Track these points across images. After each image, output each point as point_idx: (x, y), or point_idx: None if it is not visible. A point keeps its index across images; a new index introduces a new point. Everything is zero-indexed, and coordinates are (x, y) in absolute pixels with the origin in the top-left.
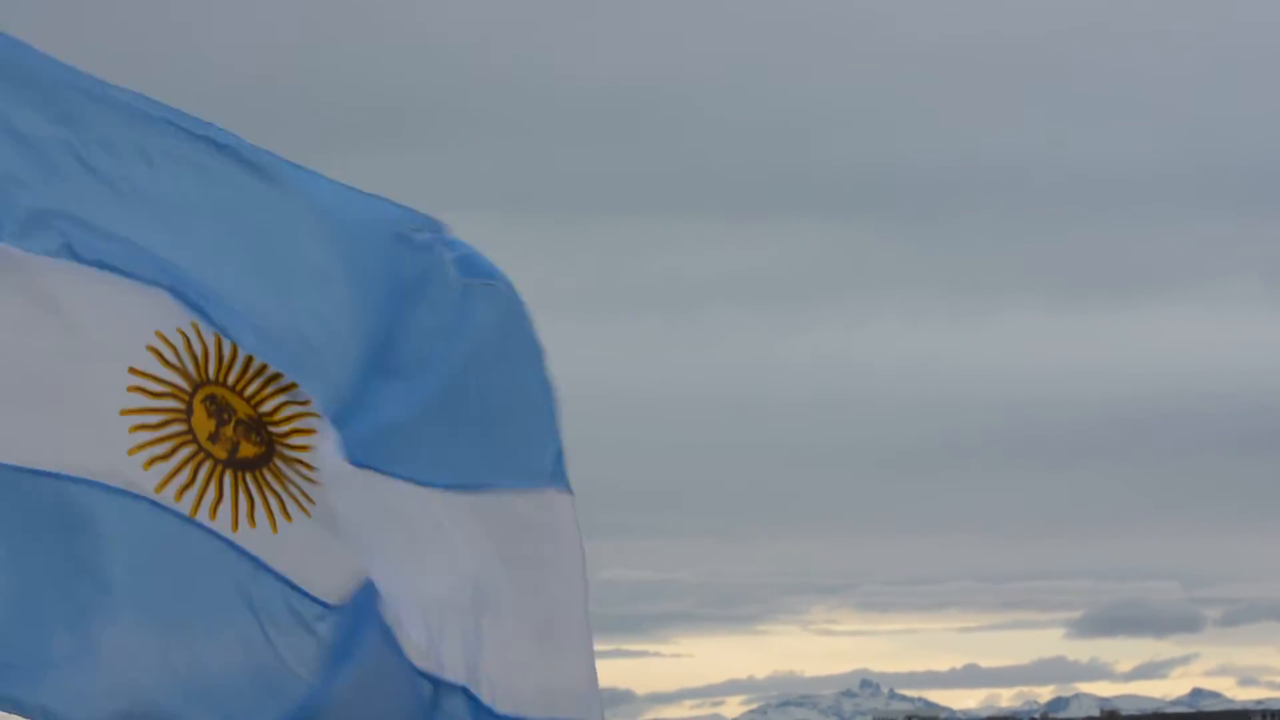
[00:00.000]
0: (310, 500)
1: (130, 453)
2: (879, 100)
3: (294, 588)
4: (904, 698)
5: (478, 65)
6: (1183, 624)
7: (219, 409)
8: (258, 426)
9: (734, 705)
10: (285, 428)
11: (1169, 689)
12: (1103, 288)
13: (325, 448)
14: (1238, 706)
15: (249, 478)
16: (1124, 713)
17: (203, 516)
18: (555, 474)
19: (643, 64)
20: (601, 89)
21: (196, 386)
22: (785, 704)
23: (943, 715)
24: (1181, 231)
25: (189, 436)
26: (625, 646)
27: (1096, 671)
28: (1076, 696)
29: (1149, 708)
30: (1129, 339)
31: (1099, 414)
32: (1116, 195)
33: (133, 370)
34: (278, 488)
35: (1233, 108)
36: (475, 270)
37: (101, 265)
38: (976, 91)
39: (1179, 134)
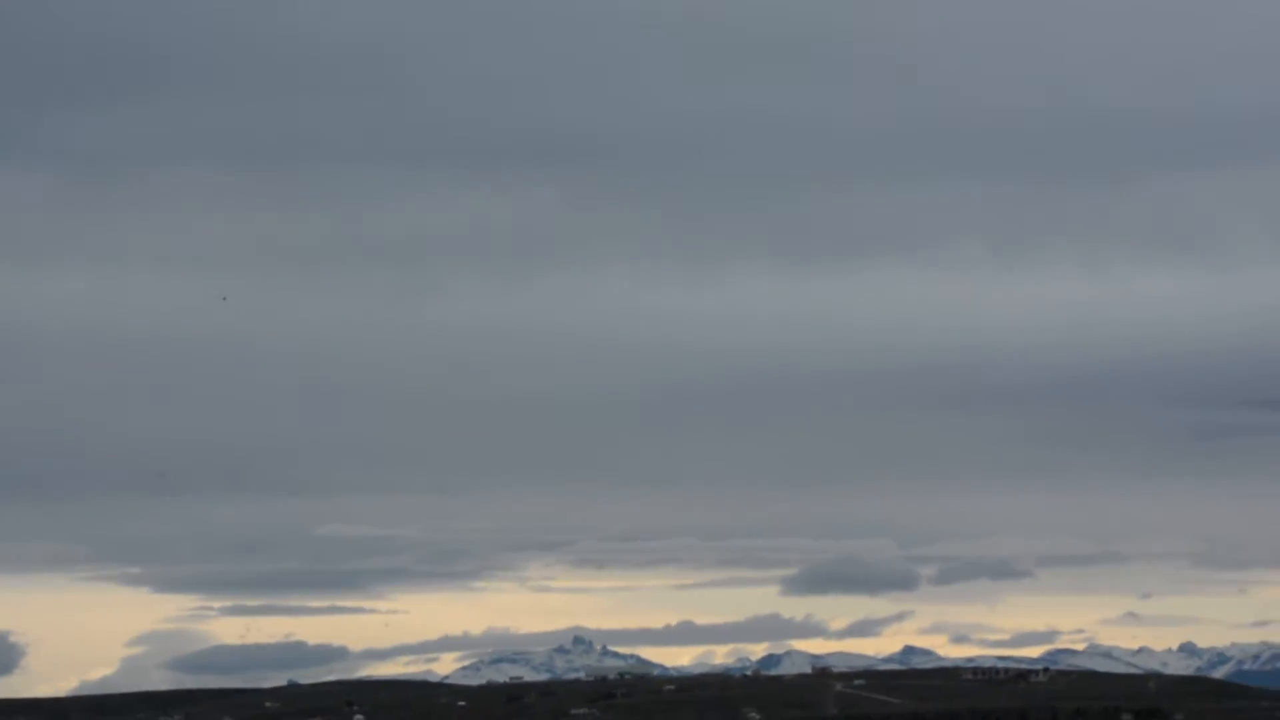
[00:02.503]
0: None
1: None
2: (616, 57)
3: None
4: (616, 655)
5: (203, 14)
6: (897, 582)
7: None
8: None
9: (448, 662)
10: None
11: (881, 646)
12: (830, 249)
13: None
14: (948, 663)
15: None
16: (835, 669)
17: None
18: None
19: (377, 18)
20: (332, 42)
21: None
22: (498, 660)
23: (654, 672)
24: (911, 194)
25: None
26: (340, 603)
27: (810, 629)
28: (789, 654)
29: (860, 664)
30: (853, 300)
31: (822, 372)
32: (849, 156)
33: None
34: None
35: (972, 69)
36: None
37: None
38: (715, 51)
39: (915, 95)
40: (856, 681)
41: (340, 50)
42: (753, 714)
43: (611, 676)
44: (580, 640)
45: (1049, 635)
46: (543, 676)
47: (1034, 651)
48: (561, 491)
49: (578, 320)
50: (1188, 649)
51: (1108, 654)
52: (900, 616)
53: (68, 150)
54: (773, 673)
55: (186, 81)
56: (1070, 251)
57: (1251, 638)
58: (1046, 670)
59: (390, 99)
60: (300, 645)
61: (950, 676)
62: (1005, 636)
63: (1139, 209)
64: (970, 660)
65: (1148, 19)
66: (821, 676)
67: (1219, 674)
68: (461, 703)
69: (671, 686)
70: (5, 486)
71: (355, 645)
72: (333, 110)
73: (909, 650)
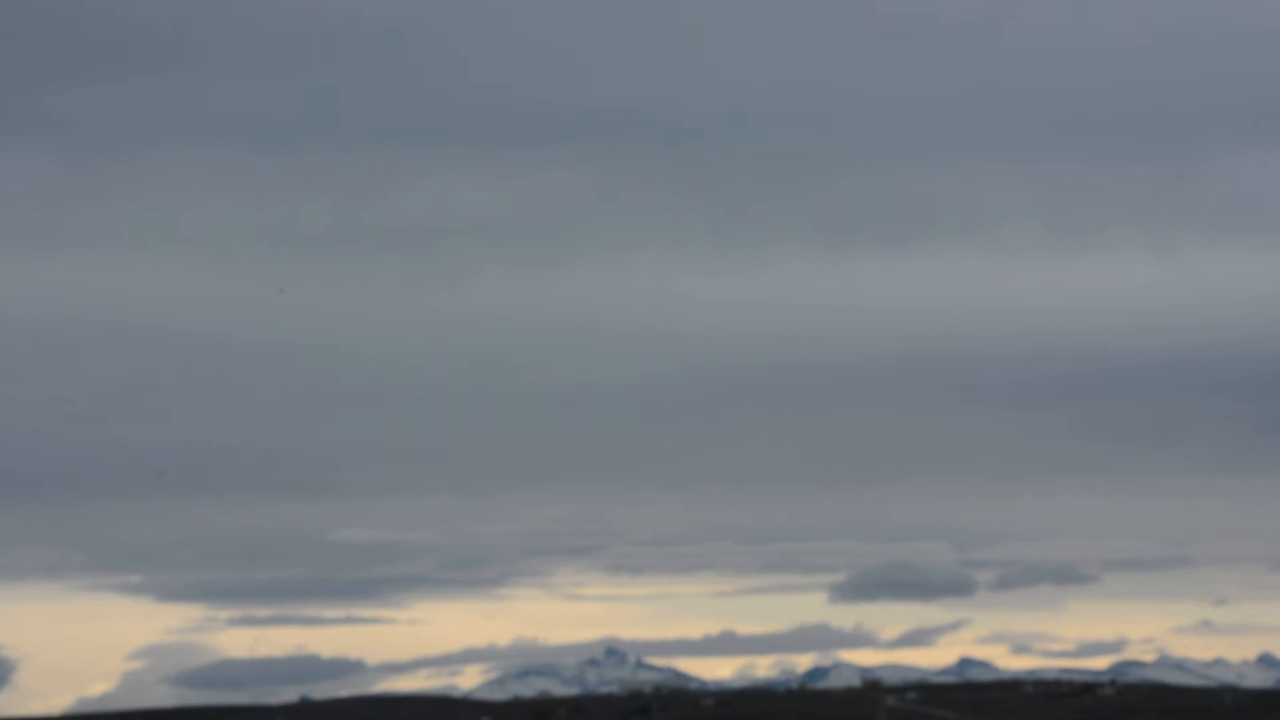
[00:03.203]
0: None
1: None
2: (643, 35)
3: None
4: (652, 667)
5: None
6: (953, 587)
7: None
8: None
9: (472, 675)
10: None
11: (936, 657)
12: (875, 230)
13: None
14: (1007, 676)
15: None
16: (886, 682)
17: None
18: None
19: None
20: (350, 19)
21: None
22: (525, 674)
23: (692, 686)
24: (962, 173)
25: None
26: (357, 613)
27: (860, 639)
28: (837, 666)
29: (913, 677)
30: (901, 284)
31: (867, 362)
32: (895, 134)
33: None
34: None
35: (1021, 46)
36: None
37: None
38: (751, 25)
39: (964, 73)
40: (909, 695)
41: (355, 24)
42: None
43: (647, 690)
44: (613, 652)
45: (1117, 645)
46: (573, 691)
47: (1101, 663)
48: (592, 492)
49: (608, 310)
50: (1267, 660)
51: (1180, 665)
52: (956, 625)
53: (64, 131)
54: (820, 686)
55: (192, 59)
56: (1135, 233)
57: None
58: (1114, 683)
59: (408, 75)
60: (313, 658)
61: (1010, 689)
62: (1070, 646)
63: (1210, 187)
64: (1032, 672)
65: None
66: (872, 690)
67: None
68: (486, 719)
69: (711, 701)
70: None
71: (372, 658)
72: (347, 88)
73: (965, 662)
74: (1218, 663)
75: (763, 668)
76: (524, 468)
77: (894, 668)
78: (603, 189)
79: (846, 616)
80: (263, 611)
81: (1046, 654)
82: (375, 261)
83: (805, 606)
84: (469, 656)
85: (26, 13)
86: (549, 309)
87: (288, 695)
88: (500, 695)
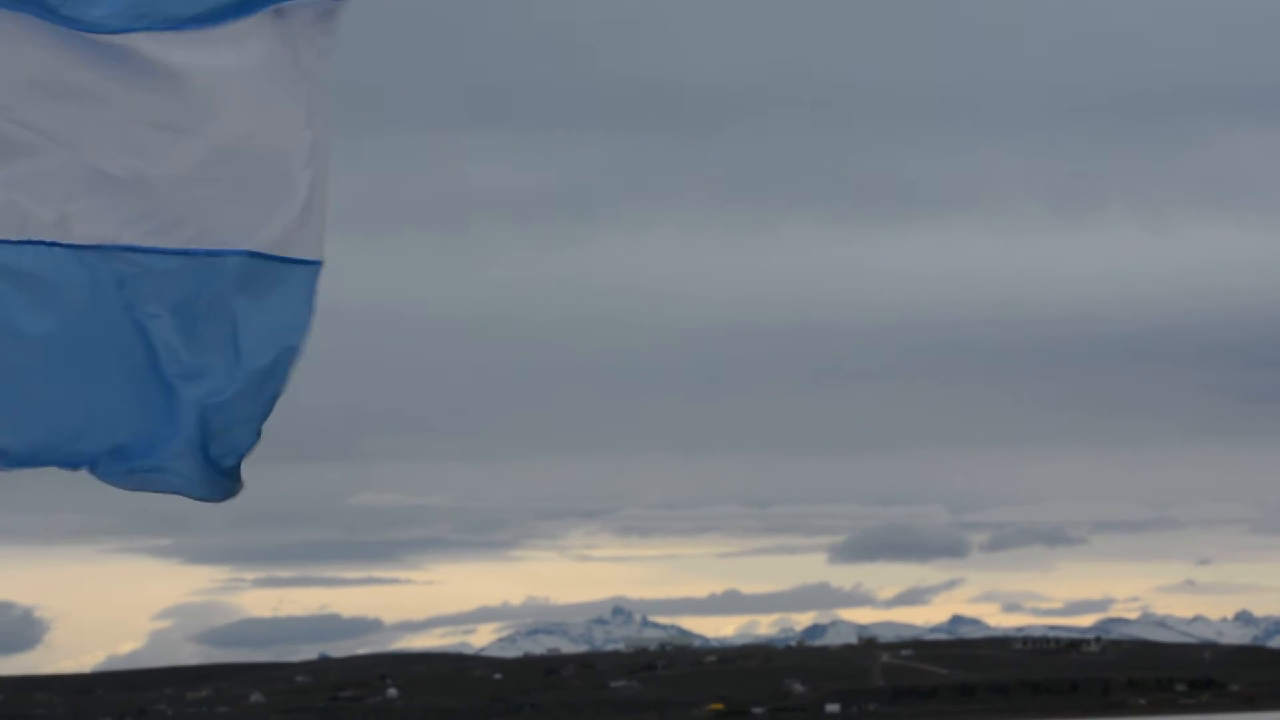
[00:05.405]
0: None
1: None
2: (662, 12)
3: None
4: (657, 625)
5: None
6: (947, 549)
7: None
8: None
9: (485, 634)
10: None
11: (930, 615)
12: (883, 205)
13: None
14: (997, 634)
15: None
16: (881, 640)
17: None
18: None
19: None
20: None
21: None
22: (535, 632)
23: (695, 643)
24: (966, 150)
25: None
26: (375, 574)
27: (859, 598)
28: (835, 624)
29: (907, 635)
30: (907, 258)
31: (870, 334)
32: (901, 111)
33: None
34: None
35: (1022, 24)
36: None
37: None
38: (761, 9)
39: (966, 50)
40: (904, 652)
41: (380, 6)
42: (796, 685)
43: (652, 648)
44: (620, 611)
45: (1103, 604)
46: (581, 648)
47: (1087, 620)
48: (603, 457)
49: (617, 284)
50: (1244, 617)
51: (1162, 623)
52: (950, 585)
53: None
54: (818, 643)
55: None
56: (1130, 209)
57: None
58: (1099, 640)
59: (436, 58)
60: (334, 618)
61: (1000, 646)
62: (1058, 605)
63: (1202, 164)
64: (1021, 630)
65: None
66: (867, 647)
67: (1276, 644)
68: (497, 675)
69: (713, 658)
70: None
71: (390, 617)
72: (372, 70)
73: (957, 620)
74: (1198, 620)
75: (764, 625)
76: (538, 435)
77: (890, 625)
78: (617, 166)
79: (846, 577)
80: (286, 573)
81: (1036, 612)
82: (401, 236)
83: (806, 567)
84: (482, 615)
85: None
86: (567, 282)
87: (309, 653)
88: (511, 652)
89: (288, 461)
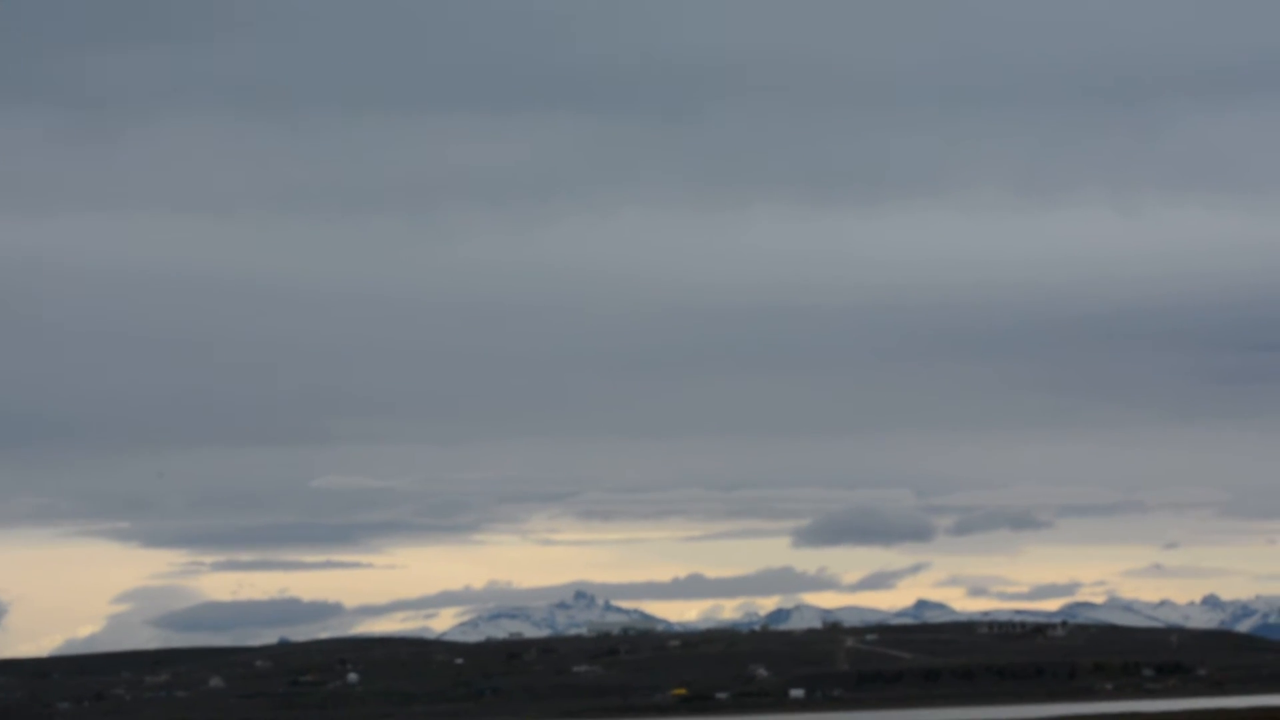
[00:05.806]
0: None
1: None
2: None
3: None
4: (619, 609)
5: None
6: (913, 532)
7: None
8: None
9: (446, 618)
10: None
11: (895, 600)
12: (853, 188)
13: None
14: (963, 618)
15: None
16: (846, 624)
17: None
18: None
19: None
20: None
21: None
22: (497, 616)
23: (659, 628)
24: (936, 133)
25: None
26: (336, 558)
27: (823, 582)
28: (799, 608)
29: (872, 619)
30: (874, 242)
31: (839, 316)
32: (871, 95)
33: None
34: None
35: (994, 9)
36: None
37: None
38: None
39: (939, 35)
40: (868, 637)
41: None
42: (760, 670)
43: (614, 632)
44: (582, 595)
45: (1070, 588)
46: (543, 632)
47: (1053, 605)
48: (565, 441)
49: (585, 267)
50: (1211, 601)
51: (1128, 607)
52: (915, 569)
53: (69, 93)
54: (782, 628)
55: (192, 22)
56: (1100, 191)
57: (1277, 590)
58: (1065, 624)
59: (405, 41)
60: (294, 602)
61: (965, 631)
62: (1024, 589)
63: (1172, 147)
64: (986, 614)
65: None
66: (832, 631)
67: (1243, 627)
68: (459, 660)
69: (676, 643)
70: None
71: (350, 601)
72: (342, 52)
73: (922, 604)
74: (1164, 604)
75: (728, 610)
76: (501, 418)
77: (854, 610)
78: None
79: (810, 560)
80: (246, 556)
81: (1002, 596)
82: (369, 218)
83: (770, 551)
84: (444, 600)
85: None
86: (533, 264)
87: (268, 637)
88: (473, 637)
89: (249, 444)
